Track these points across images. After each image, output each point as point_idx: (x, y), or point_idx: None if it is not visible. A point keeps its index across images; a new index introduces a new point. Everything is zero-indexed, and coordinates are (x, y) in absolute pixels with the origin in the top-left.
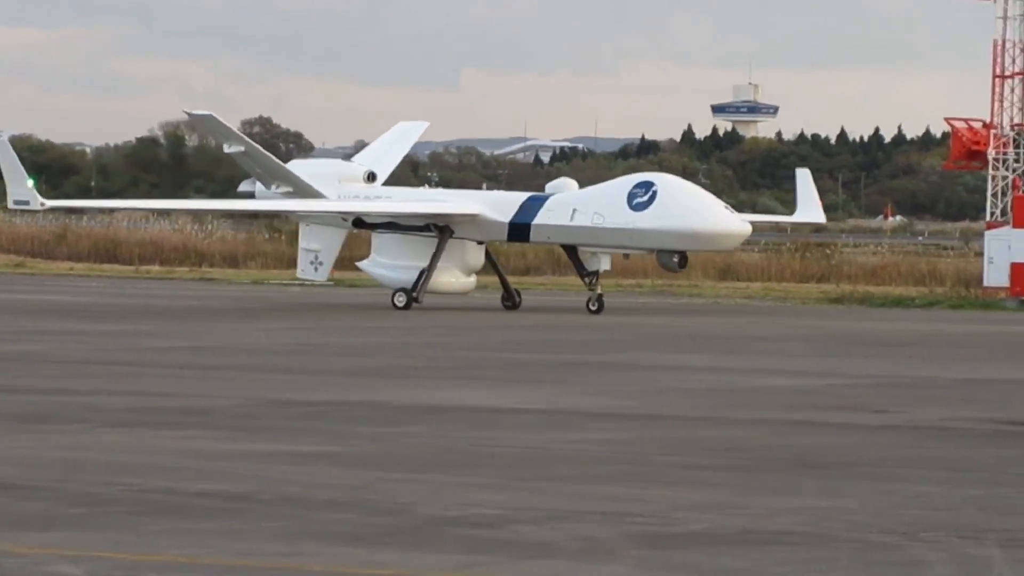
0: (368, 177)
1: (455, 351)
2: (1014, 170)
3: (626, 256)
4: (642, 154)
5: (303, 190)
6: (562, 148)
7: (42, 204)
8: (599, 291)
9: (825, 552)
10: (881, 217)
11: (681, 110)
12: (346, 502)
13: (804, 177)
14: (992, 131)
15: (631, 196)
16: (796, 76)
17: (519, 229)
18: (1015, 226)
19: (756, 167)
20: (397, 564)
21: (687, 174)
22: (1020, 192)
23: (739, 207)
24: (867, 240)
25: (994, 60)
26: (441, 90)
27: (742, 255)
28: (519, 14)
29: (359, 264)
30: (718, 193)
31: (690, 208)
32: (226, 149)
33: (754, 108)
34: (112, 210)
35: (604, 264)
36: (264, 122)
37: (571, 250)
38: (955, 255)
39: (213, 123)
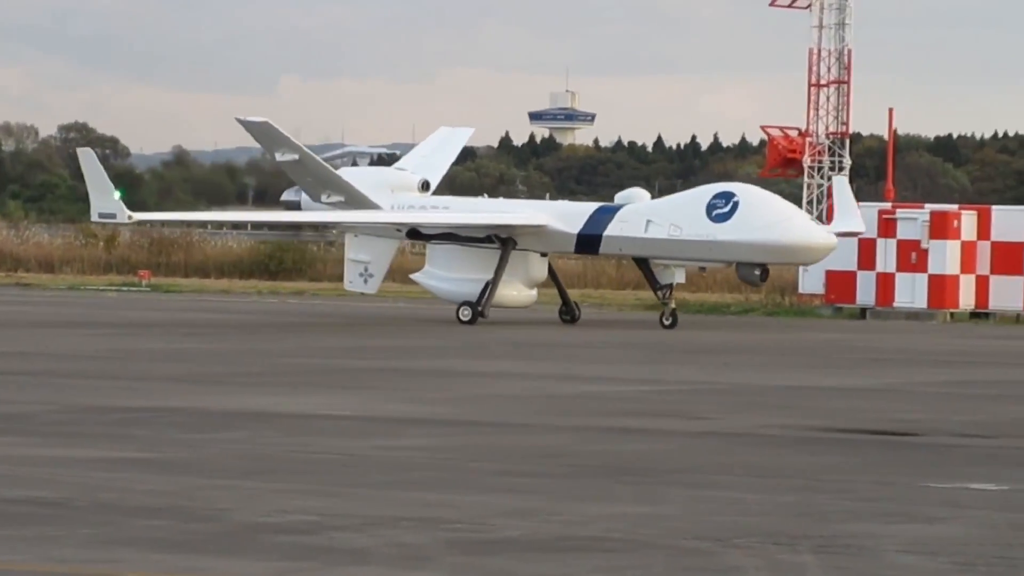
0: (423, 186)
1: (274, 358)
2: (829, 178)
3: (702, 269)
4: (459, 160)
5: (357, 200)
6: (380, 154)
7: (129, 217)
8: (673, 305)
9: (640, 558)
10: None
11: (498, 117)
12: (162, 508)
13: (842, 185)
14: (807, 139)
15: (711, 207)
16: (613, 84)
17: (588, 241)
18: None
19: (574, 174)
20: (213, 570)
21: (504, 181)
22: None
23: None
24: None
25: (809, 69)
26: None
27: (559, 261)
28: (336, 20)
29: (413, 276)
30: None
31: (774, 220)
32: (278, 158)
33: (571, 115)
34: (200, 223)
35: (678, 277)
36: (80, 127)
37: (643, 263)
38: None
39: (269, 130)
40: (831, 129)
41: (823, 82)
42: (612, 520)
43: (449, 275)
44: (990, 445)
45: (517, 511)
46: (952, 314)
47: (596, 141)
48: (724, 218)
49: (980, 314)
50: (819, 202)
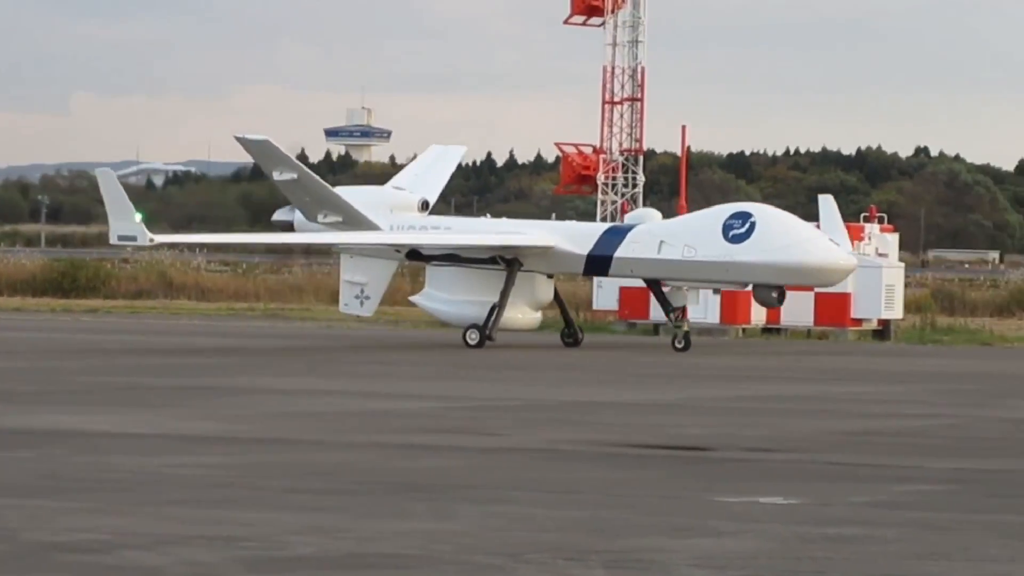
0: (422, 206)
1: (66, 375)
2: (623, 194)
3: (716, 291)
4: (255, 178)
5: (355, 220)
6: (175, 172)
7: (151, 240)
8: (686, 328)
9: (431, 574)
10: None
11: (294, 134)
12: None
13: (828, 204)
14: (601, 156)
15: (727, 227)
16: (409, 100)
17: (599, 262)
18: None
19: None
20: None
21: None
22: None
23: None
24: None
25: (603, 86)
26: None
27: None
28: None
29: (412, 298)
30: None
31: (793, 240)
32: (276, 177)
33: (367, 132)
34: (223, 246)
35: (692, 299)
36: None
37: (654, 284)
38: (565, 278)
39: (269, 148)
40: (625, 146)
41: (617, 99)
42: (405, 536)
43: (452, 297)
44: (780, 459)
45: (310, 528)
46: (744, 329)
47: (392, 158)
48: (741, 239)
49: (772, 329)
50: (613, 218)
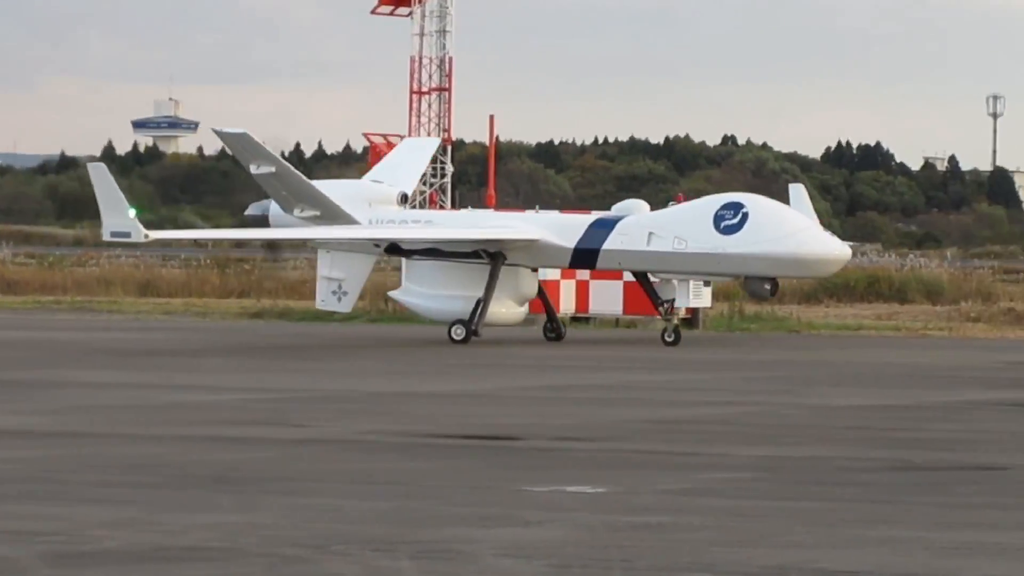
0: (401, 199)
1: None
2: (431, 184)
3: (707, 283)
4: (62, 170)
5: (334, 214)
6: None
7: (146, 236)
8: (676, 321)
9: (239, 567)
10: None
11: (101, 126)
12: None
13: (799, 192)
14: None
15: (718, 218)
16: (217, 91)
17: (585, 255)
18: None
19: (178, 182)
20: None
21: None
22: (438, 207)
23: (159, 223)
24: (288, 255)
25: (411, 76)
26: None
27: (162, 270)
28: None
29: (391, 293)
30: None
31: (787, 231)
32: (253, 170)
33: (175, 123)
34: (217, 241)
35: (681, 292)
36: None
37: (642, 277)
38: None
39: (247, 142)
40: (433, 136)
41: (425, 89)
42: (211, 529)
43: (432, 292)
44: (587, 448)
45: (115, 522)
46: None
47: (200, 149)
48: (733, 230)
49: (581, 318)
50: (423, 207)
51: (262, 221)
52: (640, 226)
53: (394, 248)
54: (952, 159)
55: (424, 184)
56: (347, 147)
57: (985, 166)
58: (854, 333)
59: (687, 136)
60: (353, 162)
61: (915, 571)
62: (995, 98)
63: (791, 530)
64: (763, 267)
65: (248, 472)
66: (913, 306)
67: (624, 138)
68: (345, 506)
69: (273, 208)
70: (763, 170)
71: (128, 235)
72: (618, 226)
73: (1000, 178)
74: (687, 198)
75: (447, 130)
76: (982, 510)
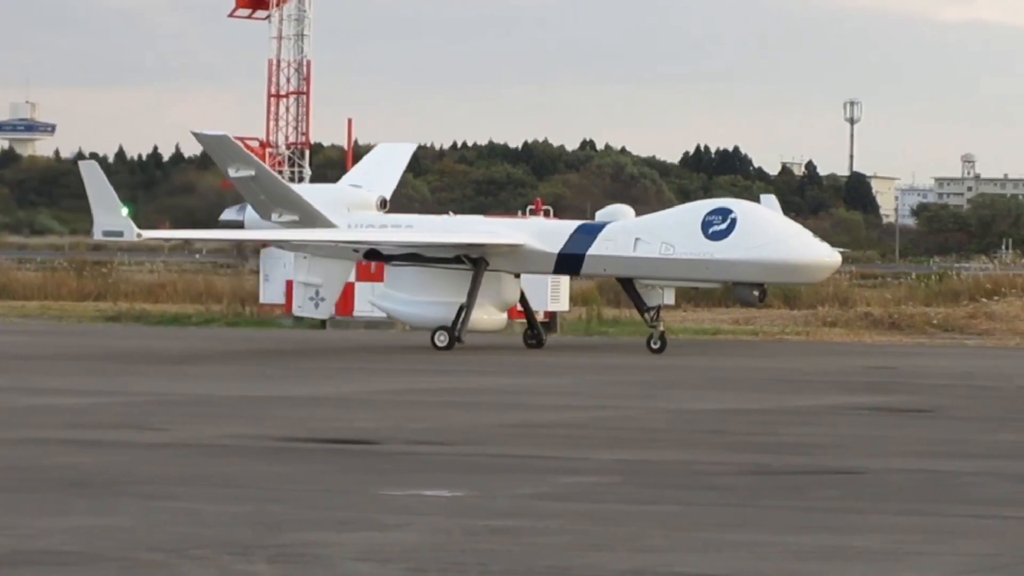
0: (380, 204)
1: None
2: None
3: (694, 289)
4: None
5: (313, 218)
6: None
7: (138, 235)
8: (662, 328)
9: (95, 571)
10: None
11: None
12: None
13: (770, 203)
14: (268, 150)
15: (706, 224)
16: (74, 94)
17: (570, 260)
18: None
19: (34, 186)
20: None
21: None
22: None
23: (16, 226)
24: (144, 258)
25: (269, 79)
26: None
27: (18, 273)
28: None
29: (370, 299)
30: None
31: (776, 237)
32: (232, 174)
33: (32, 126)
34: (214, 241)
35: (667, 298)
36: None
37: (627, 283)
38: (232, 273)
39: (226, 144)
40: (291, 139)
41: (283, 93)
42: (67, 533)
43: (412, 298)
44: (444, 452)
45: None
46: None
47: (57, 152)
48: (721, 235)
49: None
50: None
51: (238, 226)
52: (626, 232)
53: (373, 253)
54: (810, 164)
55: None
56: (204, 151)
57: (842, 171)
58: (712, 338)
59: (546, 140)
60: (211, 166)
61: (770, 574)
62: (852, 104)
63: (648, 534)
64: (752, 273)
65: (104, 475)
66: (771, 311)
67: (483, 142)
68: (202, 510)
69: (249, 212)
70: (622, 174)
71: (120, 234)
72: (604, 232)
73: (857, 183)
74: (545, 203)
75: (305, 133)
76: (839, 514)
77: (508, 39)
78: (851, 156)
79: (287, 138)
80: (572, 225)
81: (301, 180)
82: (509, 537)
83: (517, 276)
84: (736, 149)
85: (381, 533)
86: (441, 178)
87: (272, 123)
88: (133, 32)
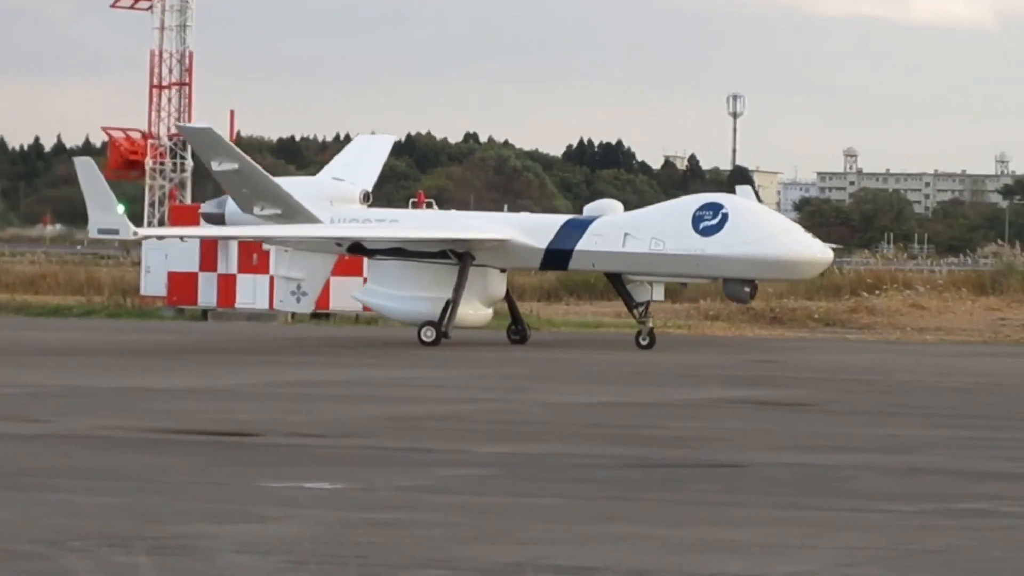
0: (364, 197)
1: None
2: (171, 180)
3: (683, 285)
4: None
5: (296, 212)
6: None
7: (134, 233)
8: (651, 324)
9: None
10: (41, 225)
11: None
12: None
13: (746, 194)
14: (150, 141)
15: (697, 219)
16: None
17: (558, 256)
18: None
19: None
20: None
21: None
22: (177, 202)
23: None
24: (25, 249)
25: (151, 71)
26: None
27: None
28: None
29: (353, 295)
30: None
31: (768, 233)
32: (215, 167)
33: None
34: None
35: (656, 294)
36: None
37: (615, 279)
38: (114, 264)
39: (211, 137)
40: (173, 132)
41: (165, 84)
42: None
43: (397, 293)
44: (325, 445)
45: None
46: (293, 315)
47: None
48: (713, 231)
49: (321, 314)
50: (161, 203)
51: (218, 219)
52: (615, 226)
53: (357, 247)
54: (692, 158)
55: (165, 180)
56: (87, 141)
57: (725, 165)
58: (593, 331)
59: (429, 133)
60: (93, 156)
61: (650, 567)
62: (735, 98)
63: (528, 527)
64: (744, 269)
65: None
66: (653, 304)
67: (366, 134)
68: (81, 502)
69: (230, 206)
70: (505, 167)
71: (116, 232)
72: (592, 226)
73: (740, 177)
74: (428, 196)
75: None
76: (718, 507)
77: (392, 32)
78: (734, 150)
79: (169, 129)
80: (560, 220)
81: (183, 172)
82: (389, 529)
83: (503, 271)
84: (619, 143)
85: (261, 525)
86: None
87: (154, 114)
88: (14, 21)
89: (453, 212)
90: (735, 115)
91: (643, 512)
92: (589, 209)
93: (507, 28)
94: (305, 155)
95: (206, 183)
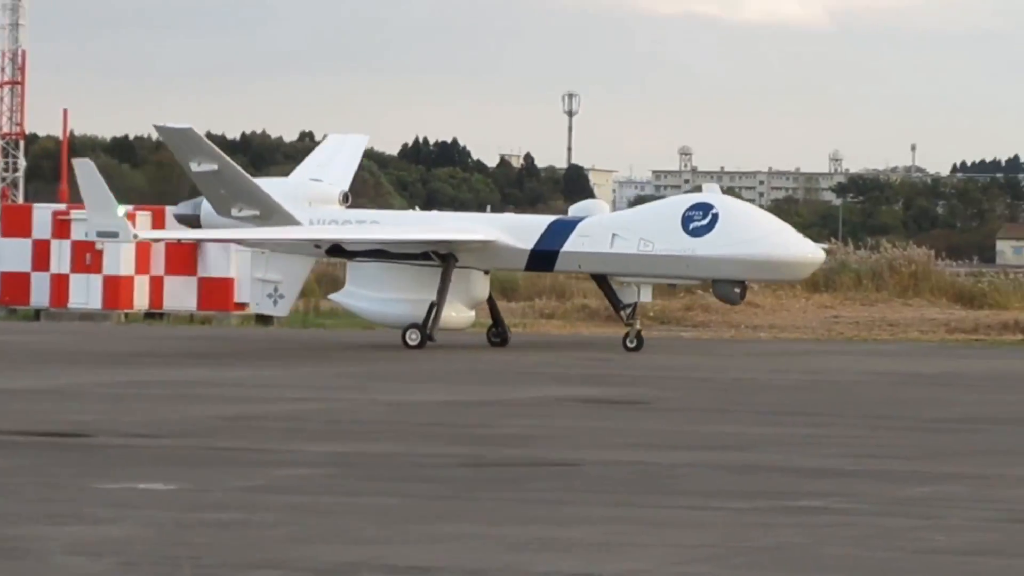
0: (343, 198)
1: None
2: (3, 179)
3: (672, 286)
4: None
5: (275, 213)
6: None
7: (134, 236)
8: (638, 326)
9: None
10: None
11: None
12: None
13: (714, 191)
14: None
15: (686, 219)
16: None
17: (543, 257)
18: (4, 235)
19: None
20: None
21: None
22: (10, 201)
23: None
24: None
25: None
26: None
27: None
28: None
29: (332, 296)
30: None
31: (759, 233)
32: (194, 168)
33: None
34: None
35: (644, 295)
36: None
37: (602, 281)
38: None
39: (191, 137)
40: (6, 130)
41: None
42: None
43: (378, 295)
44: (159, 445)
45: None
46: (127, 315)
47: None
48: (703, 231)
49: (155, 314)
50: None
51: (193, 221)
52: (603, 227)
53: (336, 249)
54: (528, 156)
55: None
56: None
57: (561, 164)
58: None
59: (264, 132)
60: None
61: (486, 566)
62: (571, 96)
63: (363, 526)
64: (735, 270)
65: None
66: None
67: (201, 133)
68: None
69: (205, 207)
70: None
71: (116, 235)
72: (579, 227)
73: (575, 175)
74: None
75: (20, 124)
76: (553, 505)
77: (227, 31)
78: (569, 148)
79: (1, 129)
80: (546, 220)
81: (16, 171)
82: (224, 530)
83: (486, 273)
84: (455, 141)
85: (94, 527)
86: (158, 170)
87: None
88: None
89: (435, 213)
90: (570, 113)
91: (478, 511)
92: (575, 209)
93: (341, 25)
94: (139, 154)
95: (41, 182)
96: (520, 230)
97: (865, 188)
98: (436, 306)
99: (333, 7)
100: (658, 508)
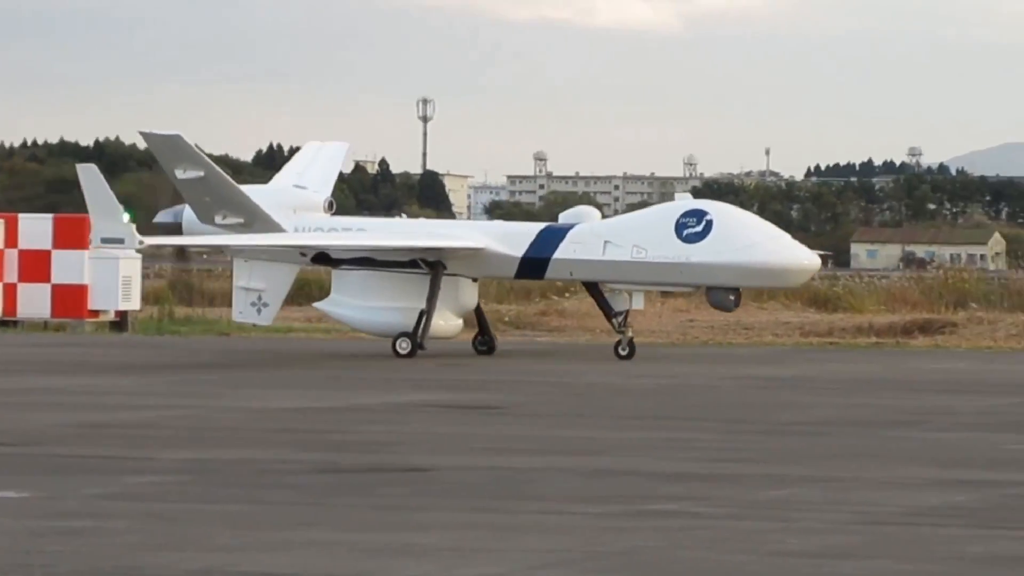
0: (328, 206)
1: None
2: None
3: (664, 294)
4: None
5: (261, 221)
6: None
7: (141, 243)
8: (630, 334)
9: None
10: None
11: None
12: None
13: (685, 199)
14: None
15: (680, 226)
16: None
17: (534, 264)
18: None
19: None
20: None
21: None
22: None
23: None
24: None
25: None
26: None
27: None
28: None
29: (317, 305)
30: None
31: (755, 239)
32: (179, 175)
33: None
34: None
35: (636, 302)
36: None
37: (593, 288)
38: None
39: (179, 144)
40: None
41: None
42: None
43: (365, 303)
44: (10, 453)
45: None
46: None
47: None
48: (697, 238)
49: (8, 322)
50: None
51: (174, 228)
52: (595, 234)
53: (322, 257)
54: (383, 162)
55: None
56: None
57: (415, 169)
58: (284, 336)
59: (118, 139)
60: None
61: (339, 572)
62: (425, 102)
63: (217, 533)
64: (729, 277)
65: None
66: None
67: (54, 140)
68: None
69: (187, 214)
70: None
71: (122, 241)
72: (571, 234)
73: (431, 181)
74: (122, 202)
75: None
76: (407, 511)
77: (80, 37)
78: (424, 154)
79: None
80: (536, 228)
81: None
82: (77, 538)
83: (475, 280)
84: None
85: None
86: (11, 177)
87: None
88: None
89: (422, 220)
90: (425, 119)
91: (332, 517)
92: (565, 216)
93: (197, 31)
94: None
95: None
96: (510, 237)
97: (720, 192)
98: (426, 314)
99: (191, 11)
100: (513, 513)
